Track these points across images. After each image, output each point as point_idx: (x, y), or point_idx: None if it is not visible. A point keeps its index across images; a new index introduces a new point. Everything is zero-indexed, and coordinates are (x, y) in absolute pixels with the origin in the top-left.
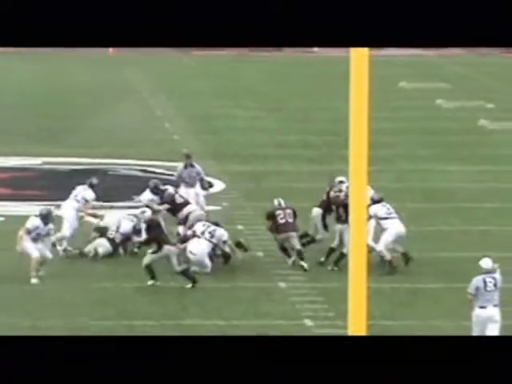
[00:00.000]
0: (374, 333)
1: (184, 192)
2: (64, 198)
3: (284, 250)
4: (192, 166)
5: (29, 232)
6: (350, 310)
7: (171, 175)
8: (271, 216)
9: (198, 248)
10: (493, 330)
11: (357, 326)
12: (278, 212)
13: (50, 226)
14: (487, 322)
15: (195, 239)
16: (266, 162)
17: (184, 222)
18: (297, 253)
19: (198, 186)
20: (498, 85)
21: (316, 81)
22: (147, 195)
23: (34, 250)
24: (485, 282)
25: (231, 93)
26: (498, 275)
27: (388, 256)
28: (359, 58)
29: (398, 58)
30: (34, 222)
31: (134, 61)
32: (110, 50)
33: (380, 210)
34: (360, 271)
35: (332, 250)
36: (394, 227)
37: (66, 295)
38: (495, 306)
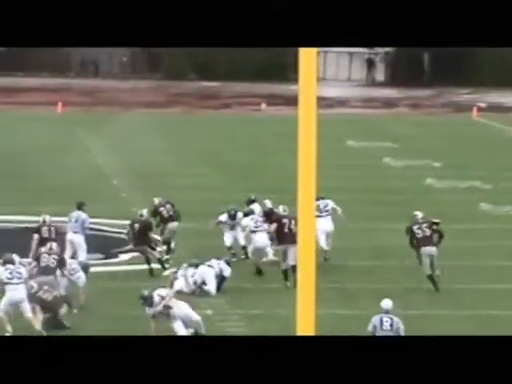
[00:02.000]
0: None
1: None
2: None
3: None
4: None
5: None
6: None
7: (119, 232)
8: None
9: None
10: None
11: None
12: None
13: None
14: None
15: None
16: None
17: None
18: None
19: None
20: (443, 143)
21: (262, 138)
22: None
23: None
24: (381, 320)
25: (178, 150)
26: (396, 318)
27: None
28: (308, 58)
29: (345, 117)
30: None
31: (80, 118)
32: (58, 108)
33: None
34: (309, 280)
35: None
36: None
37: None
38: None
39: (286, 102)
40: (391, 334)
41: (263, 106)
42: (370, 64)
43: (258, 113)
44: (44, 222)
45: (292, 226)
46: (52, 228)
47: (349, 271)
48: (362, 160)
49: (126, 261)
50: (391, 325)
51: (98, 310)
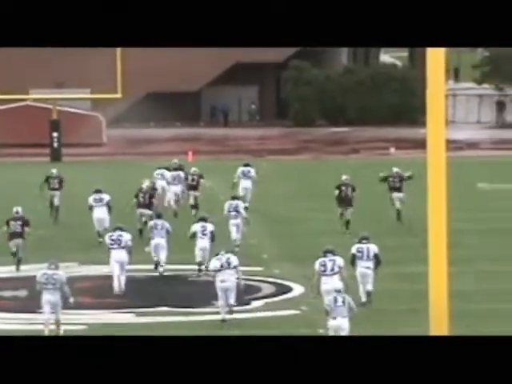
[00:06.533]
0: None
1: None
2: (145, 306)
3: None
4: None
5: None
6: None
7: (251, 280)
8: None
9: None
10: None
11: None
12: None
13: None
14: (337, 330)
15: None
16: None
17: None
18: None
19: None
20: None
21: None
22: None
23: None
24: (335, 298)
25: (307, 196)
26: (347, 296)
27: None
28: (435, 59)
29: (475, 160)
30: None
31: (210, 167)
32: (189, 157)
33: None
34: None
35: None
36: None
37: None
38: (344, 317)
39: (414, 145)
40: (345, 308)
41: (392, 150)
42: (501, 106)
43: (387, 157)
44: None
45: (348, 192)
46: None
47: (487, 315)
48: (494, 202)
49: (257, 308)
50: (343, 301)
51: None
